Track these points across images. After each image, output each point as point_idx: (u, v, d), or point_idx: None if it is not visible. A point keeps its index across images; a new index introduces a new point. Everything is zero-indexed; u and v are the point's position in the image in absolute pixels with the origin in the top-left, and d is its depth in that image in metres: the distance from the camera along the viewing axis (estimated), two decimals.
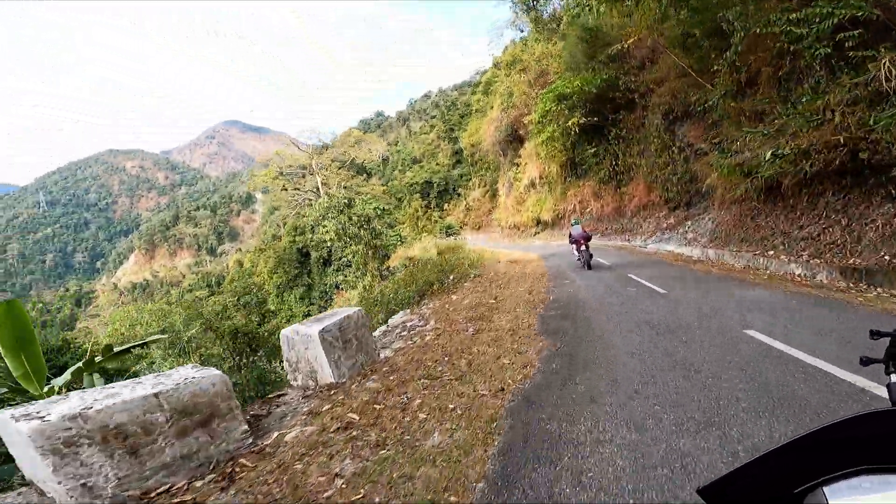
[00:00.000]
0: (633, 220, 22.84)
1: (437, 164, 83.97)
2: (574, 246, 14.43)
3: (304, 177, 55.50)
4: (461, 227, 73.97)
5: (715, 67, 13.68)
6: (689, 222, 17.49)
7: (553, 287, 11.85)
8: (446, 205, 76.62)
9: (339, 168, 67.13)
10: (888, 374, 1.47)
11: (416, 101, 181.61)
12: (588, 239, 14.08)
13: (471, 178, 76.54)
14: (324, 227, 29.21)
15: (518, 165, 38.35)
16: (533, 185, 34.96)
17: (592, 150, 25.47)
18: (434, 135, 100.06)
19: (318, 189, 50.76)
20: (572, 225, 14.61)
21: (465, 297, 11.86)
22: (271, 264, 46.85)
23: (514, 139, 39.42)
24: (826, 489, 0.71)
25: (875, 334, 1.46)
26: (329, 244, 29.01)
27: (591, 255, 13.95)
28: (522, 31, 42.20)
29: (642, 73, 22.09)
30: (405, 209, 68.54)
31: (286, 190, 50.67)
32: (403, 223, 67.17)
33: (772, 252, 10.91)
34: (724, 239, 13.79)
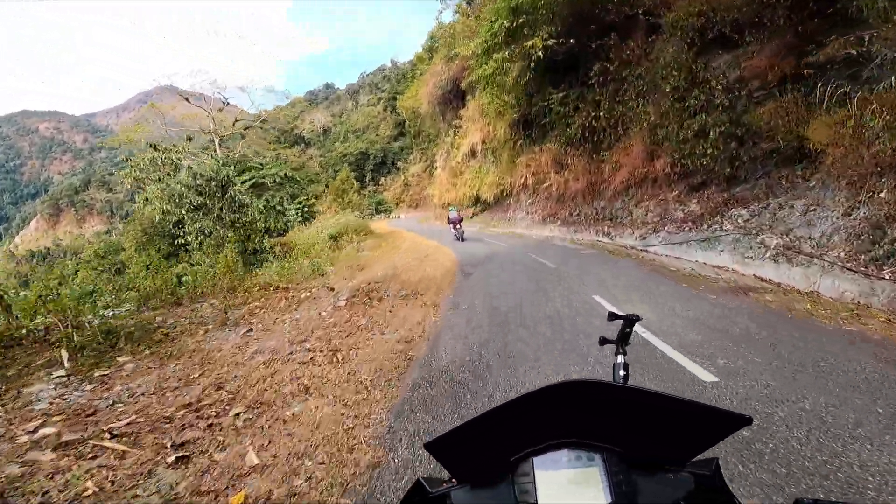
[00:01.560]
0: (618, 204, 14.35)
1: (377, 135, 73.33)
2: (451, 226, 18.57)
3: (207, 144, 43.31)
4: (397, 205, 64.13)
5: None
6: (743, 210, 9.06)
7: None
8: (383, 179, 66.40)
9: (264, 135, 55.63)
10: (616, 354, 1.60)
11: (367, 75, 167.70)
12: (460, 221, 18.46)
13: (412, 152, 66.79)
14: (144, 195, 18.98)
15: (458, 130, 29.08)
16: (473, 153, 25.98)
17: (560, 97, 16.62)
18: (381, 107, 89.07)
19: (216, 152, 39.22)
20: (449, 210, 19.32)
21: None
22: (138, 240, 34.96)
23: (455, 96, 30.04)
24: (535, 459, 0.74)
25: (612, 316, 1.71)
26: (163, 218, 18.66)
27: (463, 232, 18.21)
28: None
29: None
30: (330, 181, 57.97)
31: (156, 149, 38.49)
32: (325, 197, 56.67)
33: None
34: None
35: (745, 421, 0.70)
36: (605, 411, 0.76)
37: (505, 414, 0.73)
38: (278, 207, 28.84)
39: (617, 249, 12.26)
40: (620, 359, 1.57)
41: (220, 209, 18.01)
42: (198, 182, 16.69)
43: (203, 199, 17.99)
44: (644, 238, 11.76)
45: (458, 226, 18.09)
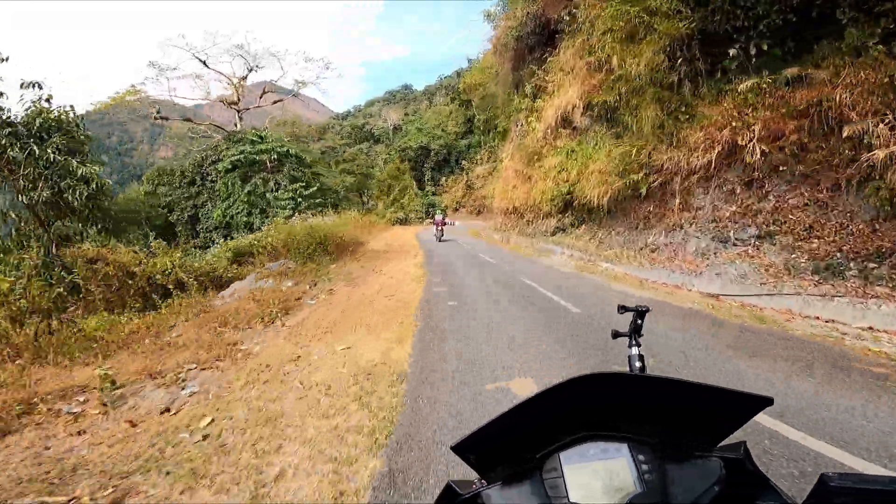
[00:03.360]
0: None
1: (443, 130, 63.58)
2: (434, 227, 19.82)
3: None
4: (457, 209, 53.94)
5: None
6: None
7: None
8: (444, 179, 56.35)
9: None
10: (630, 346, 1.57)
11: (445, 77, 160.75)
12: (444, 224, 20.05)
13: (479, 151, 56.25)
14: None
15: (539, 92, 17.88)
16: (565, 122, 14.73)
17: None
18: (454, 106, 79.89)
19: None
20: (436, 214, 21.84)
21: None
22: None
23: (539, 43, 18.89)
24: (562, 455, 0.73)
25: (622, 309, 1.64)
26: None
27: (442, 233, 19.55)
28: None
29: None
30: (379, 175, 49.03)
31: (159, 117, 30.71)
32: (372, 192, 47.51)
33: None
34: None
35: (767, 401, 0.70)
36: (628, 402, 0.75)
37: (527, 410, 0.72)
38: (268, 196, 19.54)
39: None
40: (635, 350, 1.55)
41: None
42: None
43: None
44: None
45: (440, 227, 19.35)
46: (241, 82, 30.12)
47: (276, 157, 20.95)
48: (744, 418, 0.75)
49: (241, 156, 20.84)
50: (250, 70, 30.36)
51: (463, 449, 0.74)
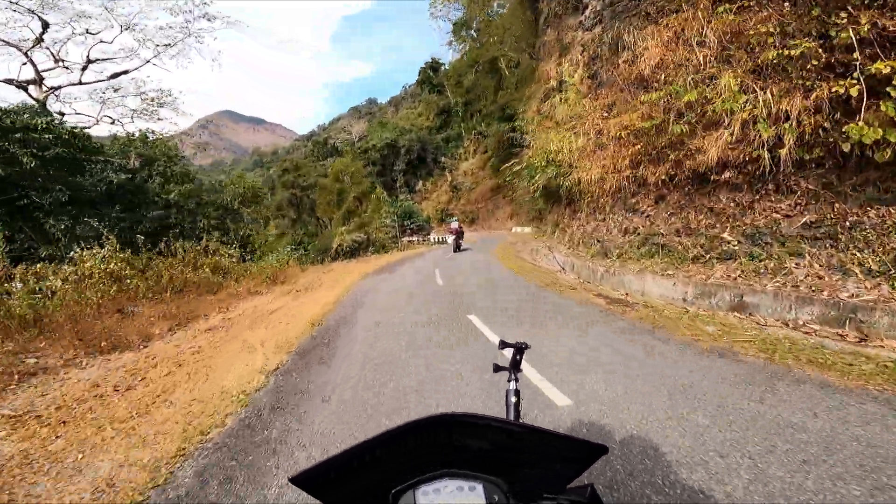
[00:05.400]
0: None
1: (412, 124, 52.00)
2: (449, 236, 18.64)
3: None
4: (442, 218, 42.14)
5: None
6: None
7: None
8: (422, 183, 44.57)
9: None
10: (509, 381, 1.54)
11: (410, 86, 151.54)
12: (460, 232, 18.41)
13: (463, 143, 44.74)
14: None
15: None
16: None
17: None
18: (422, 108, 68.76)
19: None
20: (450, 222, 20.21)
21: None
22: None
23: None
24: (417, 491, 0.72)
25: (502, 344, 1.64)
26: None
27: (460, 244, 18.10)
28: None
29: None
30: (322, 180, 36.79)
31: None
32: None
33: None
34: None
35: (602, 450, 0.73)
36: (482, 443, 0.75)
37: (380, 445, 0.70)
38: None
39: None
40: (512, 385, 1.52)
41: None
42: None
43: None
44: None
45: (454, 235, 18.13)
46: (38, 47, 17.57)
47: None
48: (585, 464, 0.77)
49: None
50: (46, 27, 17.76)
51: (305, 481, 0.69)
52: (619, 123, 8.08)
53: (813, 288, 4.56)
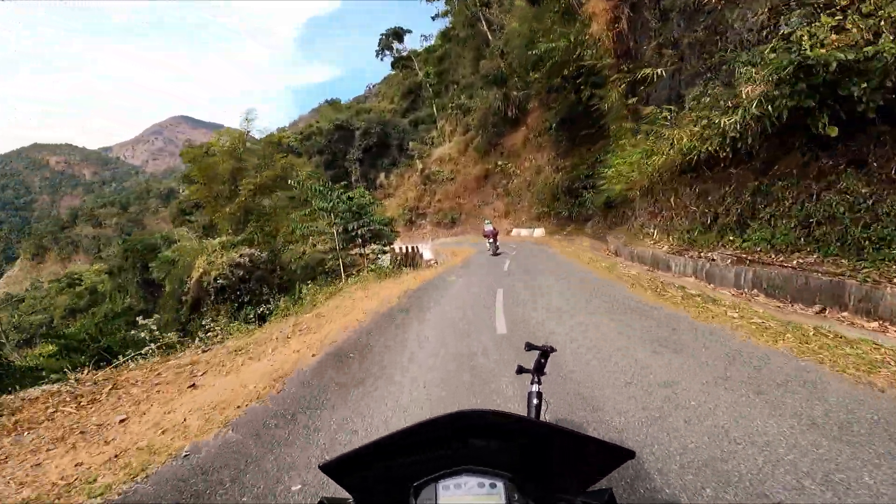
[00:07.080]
0: None
1: (373, 106, 42.04)
2: (486, 239, 17.14)
3: None
4: (411, 219, 31.99)
5: None
6: None
7: None
8: (385, 176, 34.55)
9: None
10: (532, 383, 1.51)
11: (375, 85, 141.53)
12: (496, 235, 17.06)
13: (435, 125, 35.08)
14: None
15: None
16: None
17: None
18: (383, 87, 58.75)
19: None
20: (486, 225, 17.73)
21: None
22: None
23: None
24: (439, 485, 0.71)
25: (528, 347, 1.63)
26: None
27: (497, 246, 16.81)
28: None
29: None
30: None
31: None
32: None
33: None
34: None
35: (629, 454, 0.71)
36: (506, 440, 0.75)
37: (406, 439, 0.70)
38: None
39: None
40: (535, 388, 1.50)
41: None
42: None
43: None
44: None
45: (491, 238, 17.05)
46: None
47: None
48: (608, 468, 0.75)
49: None
50: None
51: (333, 469, 0.71)
52: None
53: None
